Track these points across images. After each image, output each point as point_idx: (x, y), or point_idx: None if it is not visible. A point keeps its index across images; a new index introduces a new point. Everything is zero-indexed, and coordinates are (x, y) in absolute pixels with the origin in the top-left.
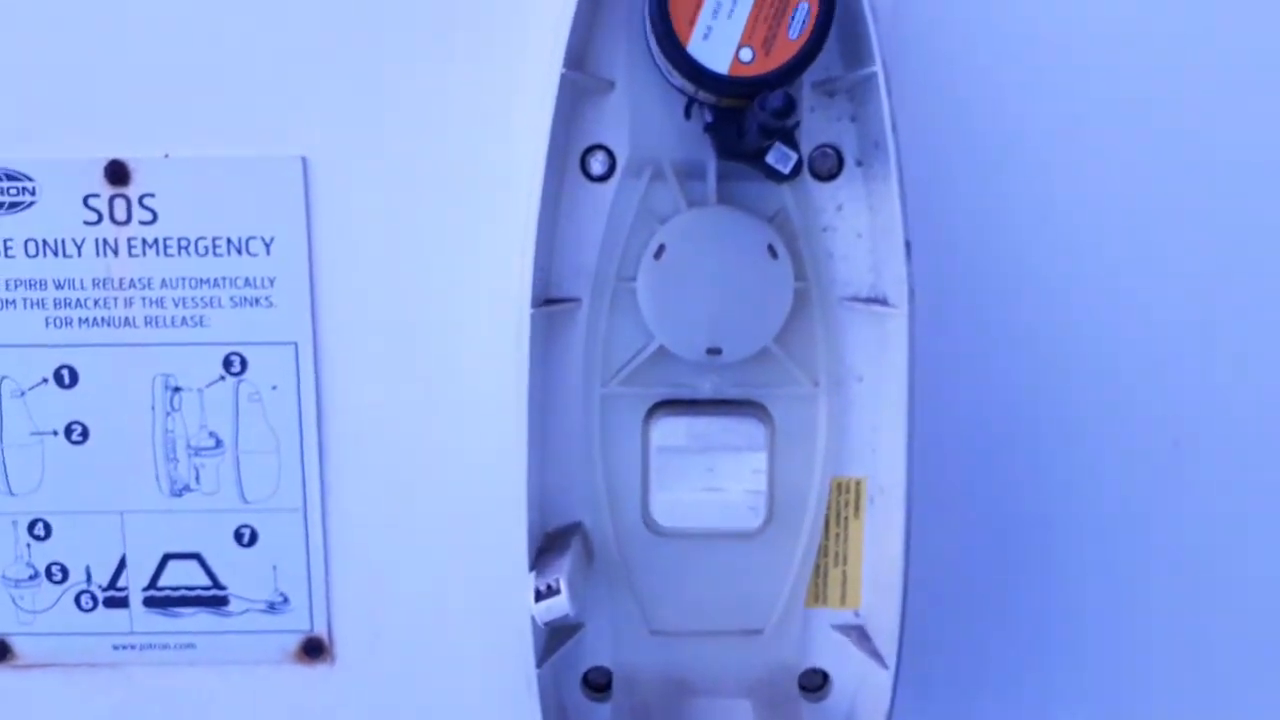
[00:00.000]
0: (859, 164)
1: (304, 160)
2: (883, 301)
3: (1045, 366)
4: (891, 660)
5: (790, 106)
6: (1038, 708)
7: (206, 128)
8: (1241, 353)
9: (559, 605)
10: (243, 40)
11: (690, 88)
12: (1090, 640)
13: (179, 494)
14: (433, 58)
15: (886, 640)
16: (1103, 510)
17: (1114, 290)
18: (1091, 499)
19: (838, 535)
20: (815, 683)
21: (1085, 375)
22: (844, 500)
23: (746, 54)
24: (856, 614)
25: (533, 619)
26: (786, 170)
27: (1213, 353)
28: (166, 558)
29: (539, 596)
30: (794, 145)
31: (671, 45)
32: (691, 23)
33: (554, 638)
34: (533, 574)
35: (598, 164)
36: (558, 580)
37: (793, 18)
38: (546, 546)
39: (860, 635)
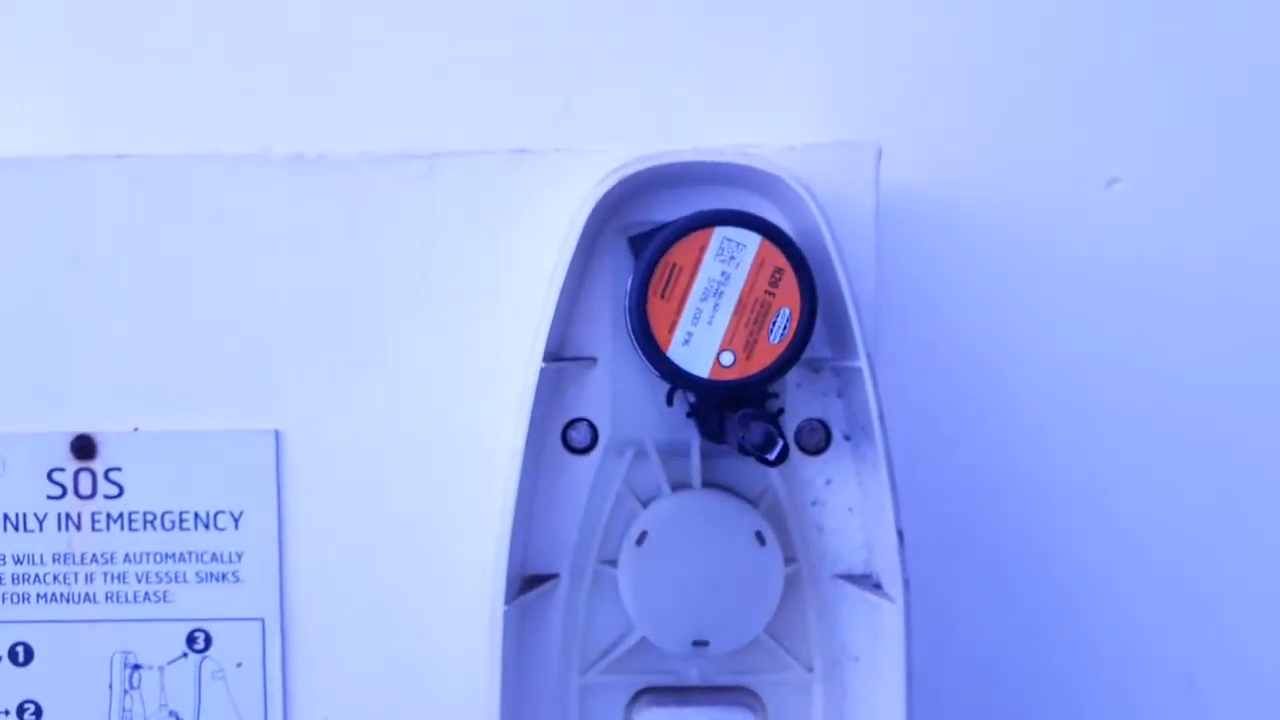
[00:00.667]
0: (847, 438)
1: (276, 434)
2: (877, 585)
3: (1046, 642)
4: None
5: (771, 442)
6: None
7: (178, 401)
8: (1256, 580)
9: None
10: (215, 314)
11: None
12: None
13: None
14: (410, 331)
15: None
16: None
17: (1119, 548)
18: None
19: None
20: None
21: (1094, 630)
22: None
23: (727, 358)
24: None
25: None
26: (773, 457)
27: (1227, 587)
28: None
29: None
30: (779, 431)
31: (652, 350)
32: (671, 329)
33: None
34: None
35: (580, 436)
36: None
37: (774, 324)
38: None
39: None
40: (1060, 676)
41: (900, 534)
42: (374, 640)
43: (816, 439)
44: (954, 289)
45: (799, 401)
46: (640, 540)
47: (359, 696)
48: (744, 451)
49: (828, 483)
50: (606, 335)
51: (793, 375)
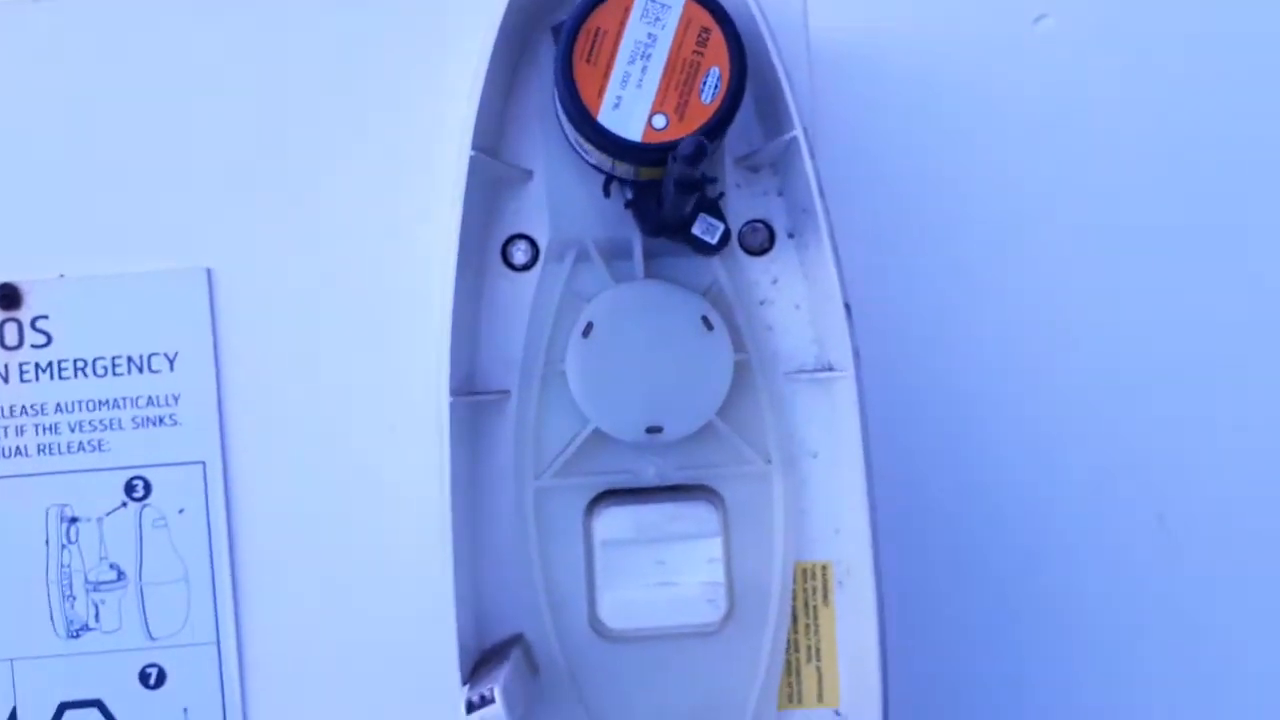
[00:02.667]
0: (790, 236)
1: (208, 271)
2: (828, 369)
3: (1018, 427)
4: None
5: (702, 151)
6: None
7: (103, 244)
8: (1230, 416)
9: (493, 715)
10: (138, 150)
11: (607, 163)
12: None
13: (76, 635)
14: (343, 158)
15: None
16: (1088, 577)
17: (1083, 341)
18: (1074, 558)
19: (808, 627)
20: None
21: (1061, 433)
22: (811, 588)
23: (660, 120)
24: (837, 713)
25: None
26: (714, 240)
27: (1199, 416)
28: (63, 706)
29: (470, 708)
30: (719, 215)
31: (581, 117)
32: (600, 93)
33: None
34: (465, 687)
35: (520, 253)
36: (491, 689)
37: (704, 83)
38: (483, 662)
39: None
40: (1032, 513)
41: (848, 306)
42: (320, 478)
43: (760, 239)
44: (885, 127)
45: (740, 204)
46: (586, 332)
47: (307, 537)
48: (686, 238)
49: (774, 282)
50: (539, 147)
51: (732, 176)
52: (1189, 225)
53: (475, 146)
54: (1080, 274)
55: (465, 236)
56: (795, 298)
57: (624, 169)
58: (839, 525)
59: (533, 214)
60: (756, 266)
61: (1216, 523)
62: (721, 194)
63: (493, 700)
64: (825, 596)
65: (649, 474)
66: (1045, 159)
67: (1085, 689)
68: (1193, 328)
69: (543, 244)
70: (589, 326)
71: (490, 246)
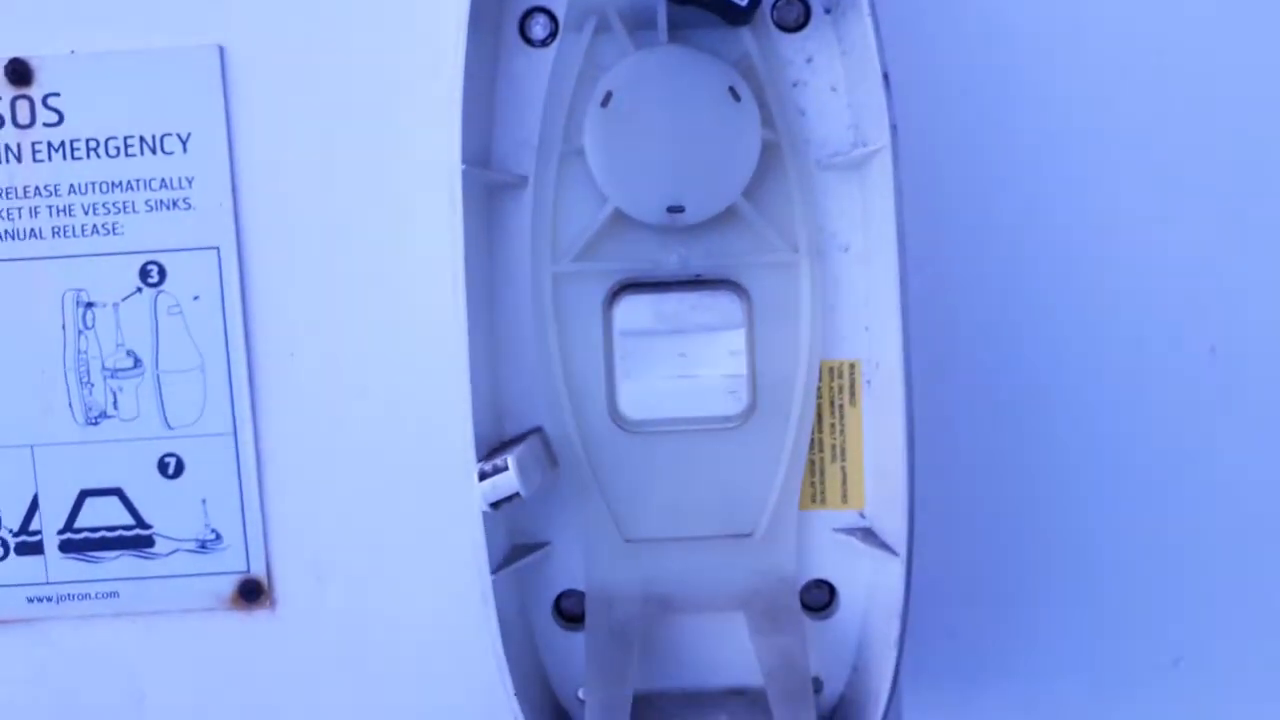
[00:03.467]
0: (827, 11)
1: (220, 49)
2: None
3: (1060, 235)
4: (902, 549)
5: None
6: (1056, 615)
7: (114, 19)
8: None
9: (506, 482)
10: None
11: None
12: (1111, 541)
13: (95, 422)
14: None
15: (897, 535)
16: (1132, 397)
17: (1140, 161)
18: (1119, 377)
19: (833, 426)
20: (821, 600)
21: (1105, 242)
22: (837, 387)
23: None
24: (861, 514)
25: (484, 514)
26: (744, 3)
27: (1252, 249)
28: (84, 494)
29: (483, 477)
30: None
31: None
32: None
33: (516, 554)
34: (480, 462)
35: (539, 27)
36: (505, 459)
37: None
38: (500, 448)
39: (866, 535)
40: (1076, 324)
41: (886, 76)
42: (336, 265)
43: (795, 13)
44: None
45: None
46: (605, 102)
47: (323, 326)
48: (713, 2)
49: (809, 61)
50: None
51: None
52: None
53: None
54: (1148, 81)
55: (477, 5)
56: (831, 79)
57: None
58: (869, 323)
59: None
60: (790, 44)
61: (1270, 356)
62: None
63: (505, 468)
64: (852, 396)
65: (671, 263)
66: None
67: (1119, 513)
68: (1252, 154)
69: (561, 16)
70: (608, 96)
71: (506, 21)
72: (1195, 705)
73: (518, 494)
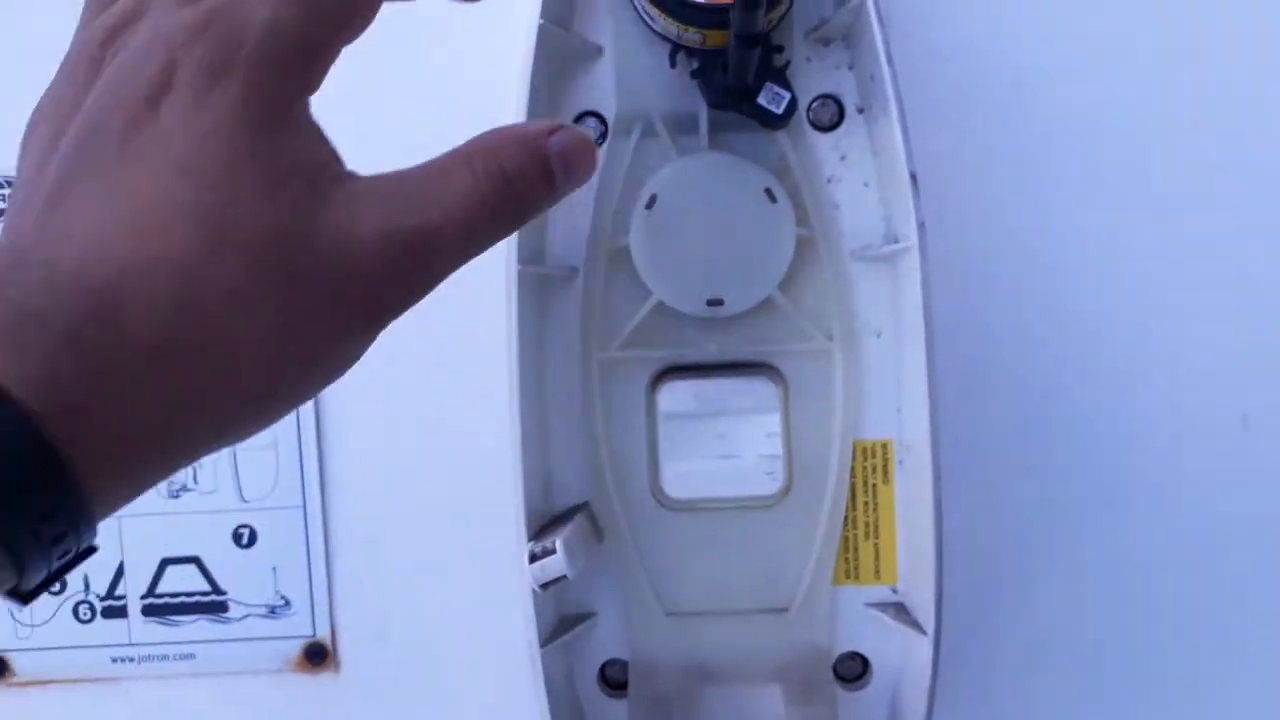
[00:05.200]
0: (860, 111)
1: None
2: (894, 242)
3: (1093, 313)
4: (930, 626)
5: (758, 37)
6: (1090, 686)
7: None
8: None
9: (554, 565)
10: None
11: (673, 30)
12: (1144, 617)
13: (176, 495)
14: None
15: (926, 611)
16: (1163, 471)
17: (1166, 235)
18: (1149, 451)
19: (866, 504)
20: (854, 671)
21: (1142, 318)
22: (870, 466)
23: None
24: (894, 590)
25: (533, 592)
26: (780, 110)
27: None
28: (165, 562)
29: (533, 559)
30: (786, 84)
31: None
32: None
33: (564, 625)
34: (530, 543)
35: (590, 130)
36: (553, 541)
37: None
38: (549, 526)
39: (898, 611)
40: (1104, 401)
41: (913, 176)
42: (401, 341)
43: (830, 114)
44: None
45: (809, 78)
46: (650, 204)
47: (388, 408)
48: (751, 109)
49: (843, 158)
50: (608, 20)
51: (801, 49)
52: None
53: (544, 17)
54: (1170, 154)
55: (534, 107)
56: (864, 175)
57: (690, 36)
58: (900, 405)
59: (603, 91)
60: (825, 143)
61: None
62: (788, 63)
63: (554, 551)
64: (885, 475)
65: (711, 349)
66: (1136, 40)
67: (1149, 584)
68: None
69: (611, 120)
70: (653, 198)
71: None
72: None
73: (565, 576)
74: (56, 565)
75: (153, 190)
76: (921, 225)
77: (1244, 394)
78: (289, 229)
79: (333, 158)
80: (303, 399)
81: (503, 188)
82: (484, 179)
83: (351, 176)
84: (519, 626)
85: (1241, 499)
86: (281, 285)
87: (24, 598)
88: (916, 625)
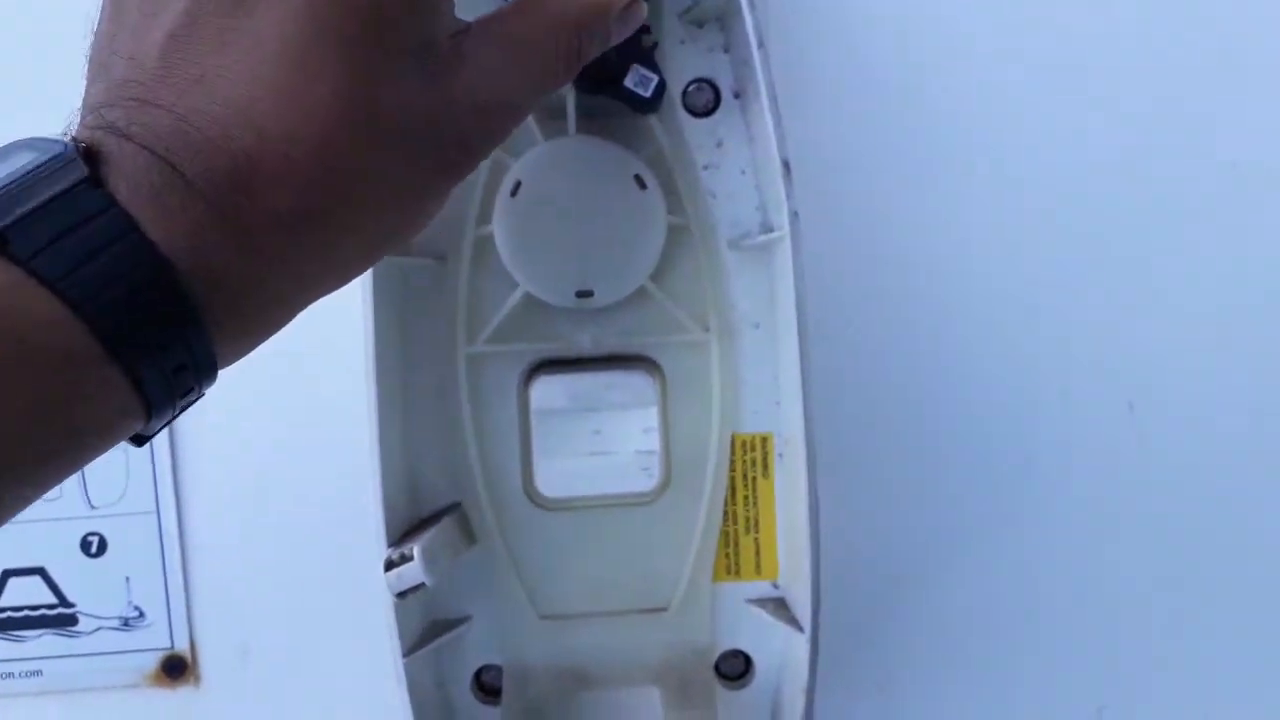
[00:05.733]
0: (736, 96)
1: None
2: (768, 231)
3: (976, 302)
4: (807, 623)
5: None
6: (980, 669)
7: None
8: (1198, 302)
9: (411, 572)
10: None
11: None
12: (1032, 595)
13: None
14: None
15: (804, 609)
16: (1048, 461)
17: (1050, 222)
18: (1034, 440)
19: (746, 498)
20: (737, 669)
21: (1023, 307)
22: (750, 459)
23: None
24: (775, 585)
25: (394, 600)
26: (648, 93)
27: (1167, 299)
28: (6, 574)
29: (389, 566)
30: (654, 67)
31: None
32: None
33: (434, 630)
34: (389, 549)
35: None
36: (411, 548)
37: None
38: (415, 529)
39: (778, 606)
40: (989, 391)
41: (785, 164)
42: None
43: (705, 99)
44: None
45: (684, 61)
46: (514, 191)
47: (243, 404)
48: (619, 92)
49: (719, 145)
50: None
51: (676, 31)
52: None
53: None
54: (1048, 136)
55: None
56: (741, 162)
57: None
58: (779, 398)
59: None
60: (700, 128)
61: (1186, 412)
62: (655, 44)
63: (411, 558)
64: (765, 469)
65: (584, 342)
66: (1021, 24)
67: (1036, 571)
68: (1166, 208)
69: None
70: (517, 185)
71: None
72: None
73: (423, 584)
74: (174, 415)
75: (289, 53)
76: (794, 214)
77: (1130, 381)
78: (412, 104)
79: (444, 29)
80: (396, 250)
81: (574, 65)
82: (563, 59)
83: (457, 47)
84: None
85: (1128, 485)
86: (401, 155)
87: (140, 441)
88: (795, 622)
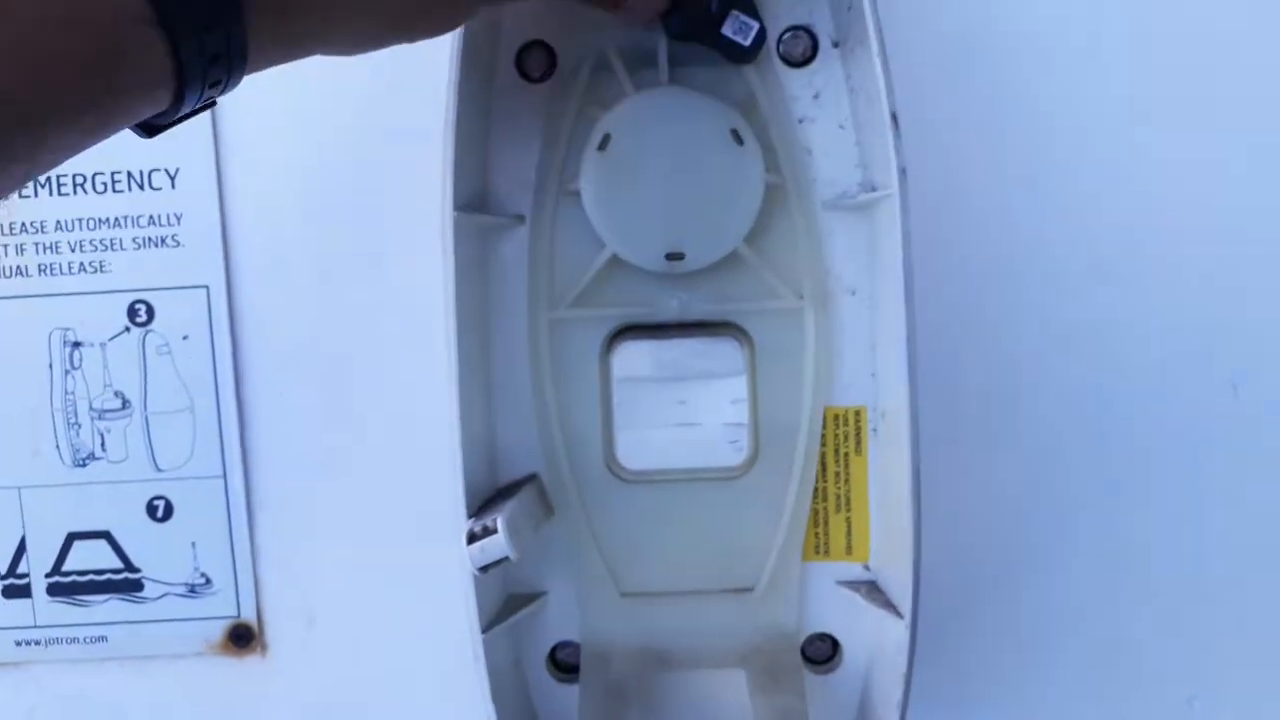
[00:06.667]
0: (835, 45)
1: None
2: (871, 190)
3: (1080, 276)
4: (907, 610)
5: None
6: (1070, 655)
7: None
8: None
9: (495, 546)
10: None
11: None
12: (1127, 580)
13: (83, 464)
14: None
15: (902, 593)
16: (1148, 441)
17: (1156, 189)
18: (1134, 419)
19: (838, 475)
20: (824, 653)
21: (1124, 285)
22: (842, 434)
23: None
24: (866, 567)
25: (474, 574)
26: (747, 42)
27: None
28: (71, 537)
29: (472, 539)
30: (754, 13)
31: None
32: None
33: (511, 604)
34: (470, 520)
35: (536, 63)
36: (494, 520)
37: None
38: (494, 499)
39: (871, 590)
40: (1091, 369)
41: (894, 117)
42: (329, 299)
43: (801, 48)
44: None
45: (779, 8)
46: (603, 145)
47: (315, 366)
48: (716, 41)
49: (816, 97)
50: None
51: None
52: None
53: None
54: (1164, 108)
55: (470, 37)
56: (839, 116)
57: None
58: (875, 369)
59: (551, 19)
60: (797, 79)
61: None
62: None
63: (495, 531)
64: (858, 444)
65: (671, 307)
66: None
67: (1134, 555)
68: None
69: (560, 52)
70: (606, 138)
71: (503, 56)
72: None
73: (507, 557)
74: (198, 105)
75: None
76: (903, 171)
77: (1233, 361)
78: None
79: None
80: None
81: None
82: None
83: None
84: (461, 607)
85: (1229, 471)
86: None
87: (157, 130)
88: (891, 607)
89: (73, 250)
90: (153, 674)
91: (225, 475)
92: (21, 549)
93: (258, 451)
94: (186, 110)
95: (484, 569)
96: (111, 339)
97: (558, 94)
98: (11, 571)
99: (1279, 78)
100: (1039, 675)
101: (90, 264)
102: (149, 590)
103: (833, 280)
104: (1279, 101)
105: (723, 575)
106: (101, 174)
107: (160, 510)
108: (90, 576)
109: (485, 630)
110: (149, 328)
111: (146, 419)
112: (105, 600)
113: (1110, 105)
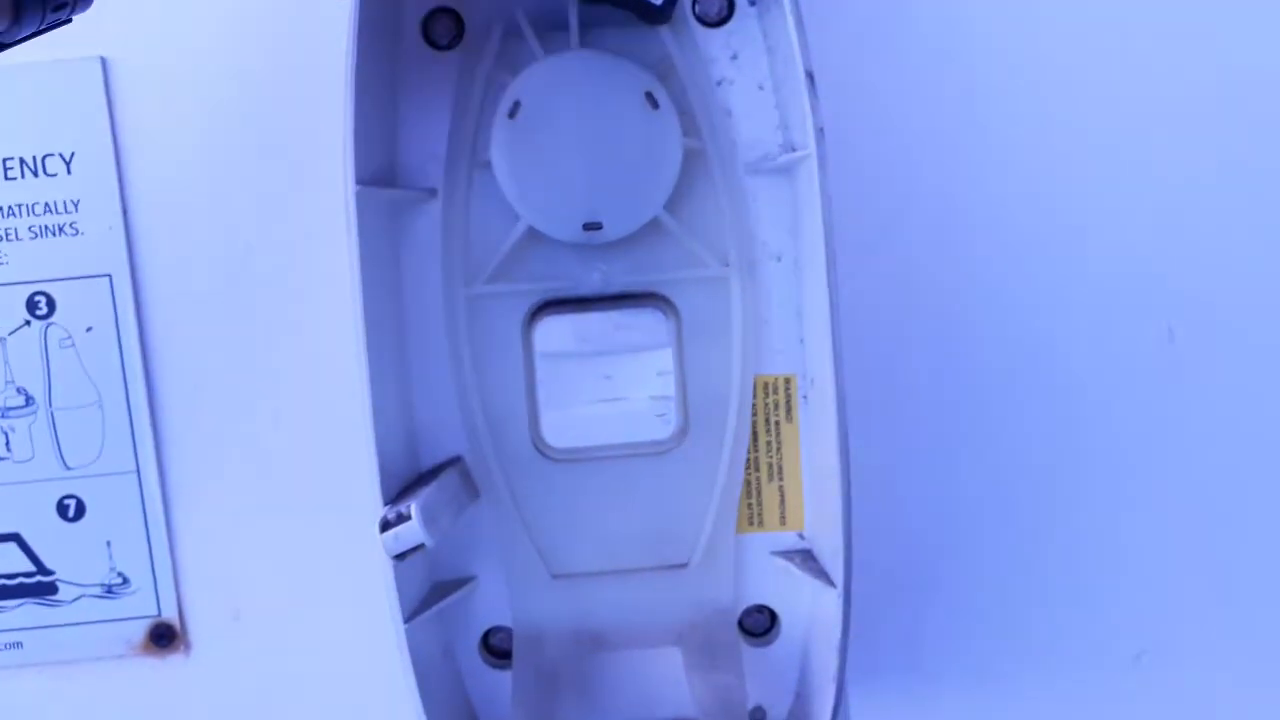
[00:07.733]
0: (752, 3)
1: (103, 61)
2: (790, 151)
3: (1011, 228)
4: (839, 577)
5: None
6: (1015, 612)
7: None
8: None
9: (409, 533)
10: None
11: None
12: (1068, 537)
13: None
14: None
15: (834, 560)
16: (1082, 392)
17: (1089, 139)
18: (1066, 372)
19: (770, 445)
20: (762, 625)
21: (1059, 235)
22: (772, 402)
23: None
24: (801, 535)
25: (392, 562)
26: (659, 1)
27: (1212, 218)
28: None
29: (385, 527)
30: None
31: None
32: None
33: (439, 591)
34: (385, 507)
35: (443, 30)
36: (408, 506)
37: None
38: (415, 484)
39: (805, 559)
40: (1023, 322)
41: (809, 75)
42: (238, 289)
43: (718, 7)
44: None
45: None
46: (513, 113)
47: (226, 354)
48: (625, 1)
49: (734, 58)
50: None
51: None
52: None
53: None
54: (1097, 59)
55: (367, 4)
56: (759, 76)
57: None
58: (804, 335)
59: None
60: (714, 39)
61: (1230, 341)
62: None
63: (409, 517)
64: (789, 412)
65: (593, 280)
66: None
67: (1076, 510)
68: (1209, 137)
69: (467, 19)
70: (516, 105)
71: (407, 23)
72: (1157, 701)
73: (423, 545)
74: (38, 29)
75: None
76: (820, 130)
77: (1169, 308)
78: None
79: None
80: None
81: None
82: None
83: None
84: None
85: (1167, 421)
86: None
87: (3, 48)
88: (824, 576)
89: None
90: (73, 679)
91: (139, 470)
92: None
93: (172, 444)
94: (29, 30)
95: (400, 556)
96: (11, 333)
97: (467, 61)
98: None
99: (1209, 22)
100: (986, 638)
101: None
102: (64, 593)
103: (758, 246)
104: (1209, 44)
105: (656, 552)
106: None
107: (71, 509)
108: (1, 581)
109: (408, 620)
110: (50, 320)
111: (52, 415)
112: (18, 605)
113: (1042, 59)
